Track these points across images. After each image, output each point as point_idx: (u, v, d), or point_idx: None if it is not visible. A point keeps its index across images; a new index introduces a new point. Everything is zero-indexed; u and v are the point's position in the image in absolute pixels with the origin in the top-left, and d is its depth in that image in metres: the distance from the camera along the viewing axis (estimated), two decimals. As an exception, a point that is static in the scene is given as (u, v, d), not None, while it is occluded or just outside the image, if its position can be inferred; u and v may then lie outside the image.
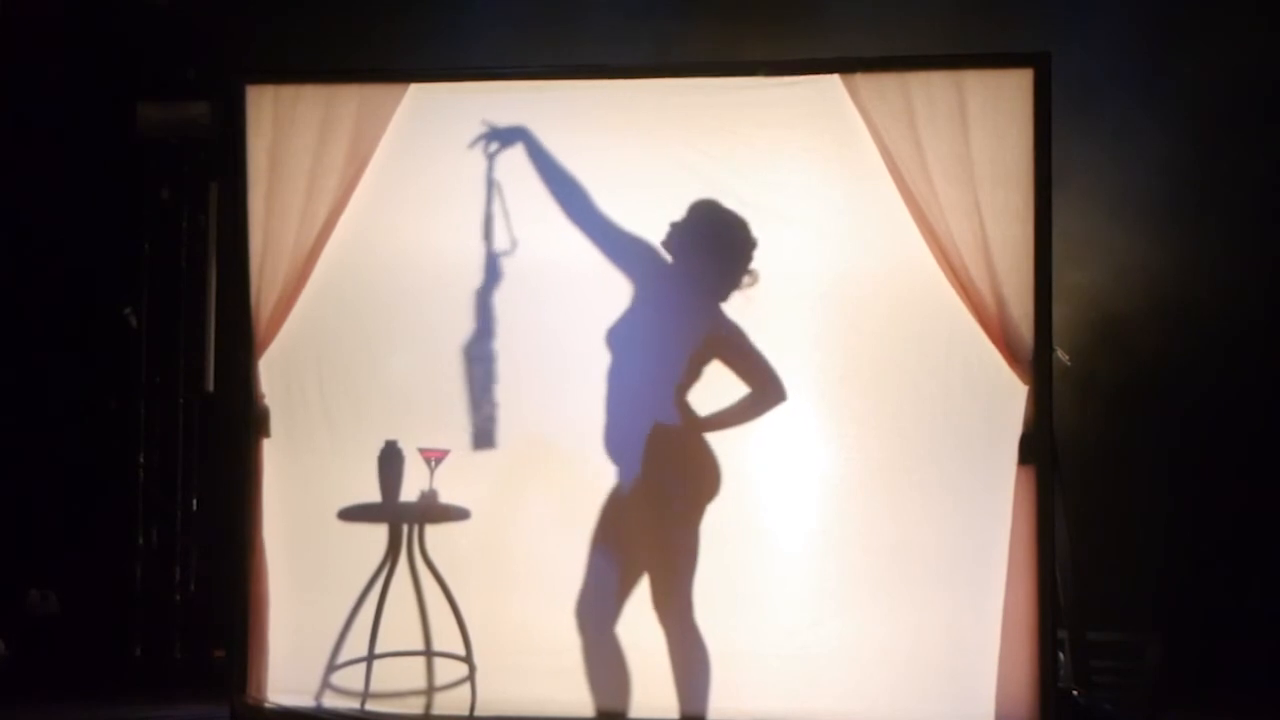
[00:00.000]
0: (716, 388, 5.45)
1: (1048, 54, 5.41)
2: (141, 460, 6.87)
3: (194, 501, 6.85)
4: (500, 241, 5.59)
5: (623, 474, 5.47)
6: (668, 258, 5.48)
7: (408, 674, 5.62)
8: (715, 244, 5.47)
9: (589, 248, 5.55)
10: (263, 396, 5.67)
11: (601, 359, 5.49)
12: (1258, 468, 6.46)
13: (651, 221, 5.48)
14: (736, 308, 5.46)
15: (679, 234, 5.47)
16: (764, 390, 5.40)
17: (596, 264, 5.55)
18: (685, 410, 5.41)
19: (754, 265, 5.45)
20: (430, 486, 5.60)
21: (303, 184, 5.64)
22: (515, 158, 5.63)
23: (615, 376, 5.48)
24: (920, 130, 5.41)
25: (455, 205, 5.67)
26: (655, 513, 5.43)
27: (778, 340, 5.50)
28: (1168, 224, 6.51)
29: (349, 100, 5.66)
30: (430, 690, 5.62)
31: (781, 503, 5.53)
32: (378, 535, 5.65)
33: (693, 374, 5.43)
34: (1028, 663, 5.31)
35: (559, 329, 5.58)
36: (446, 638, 5.60)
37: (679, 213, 5.48)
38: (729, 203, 5.48)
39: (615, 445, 5.46)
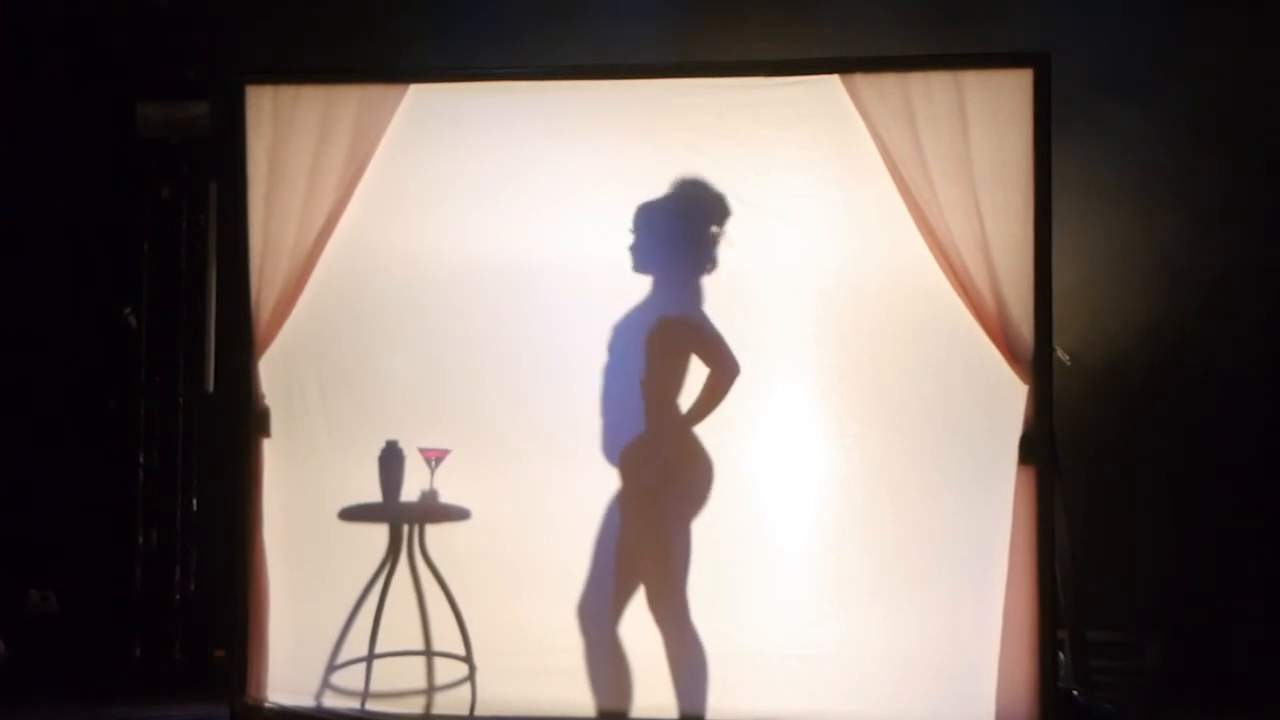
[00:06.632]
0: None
1: (1047, 54, 5.41)
2: (141, 460, 6.85)
3: (194, 501, 6.84)
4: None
5: (619, 475, 5.48)
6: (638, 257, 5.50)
7: (408, 674, 5.62)
8: (676, 216, 5.47)
9: (591, 246, 5.56)
10: (263, 396, 5.68)
11: (602, 358, 5.51)
12: (1258, 467, 6.45)
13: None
14: (737, 310, 5.47)
15: (642, 229, 5.48)
16: (722, 369, 5.39)
17: (598, 262, 5.55)
18: (669, 411, 5.41)
19: (723, 228, 5.46)
20: (431, 486, 5.61)
21: (302, 184, 5.64)
22: (515, 157, 5.65)
23: (612, 376, 5.49)
24: (920, 130, 5.41)
25: (455, 205, 5.68)
26: (649, 514, 5.44)
27: (778, 340, 5.51)
28: (1170, 223, 6.50)
29: (349, 100, 5.66)
30: (430, 690, 5.63)
31: (782, 502, 5.53)
32: (378, 535, 5.65)
33: (672, 373, 5.43)
34: (1028, 662, 5.31)
35: (561, 327, 5.59)
36: (446, 638, 5.61)
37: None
38: (728, 203, 5.49)
39: (611, 446, 5.47)
